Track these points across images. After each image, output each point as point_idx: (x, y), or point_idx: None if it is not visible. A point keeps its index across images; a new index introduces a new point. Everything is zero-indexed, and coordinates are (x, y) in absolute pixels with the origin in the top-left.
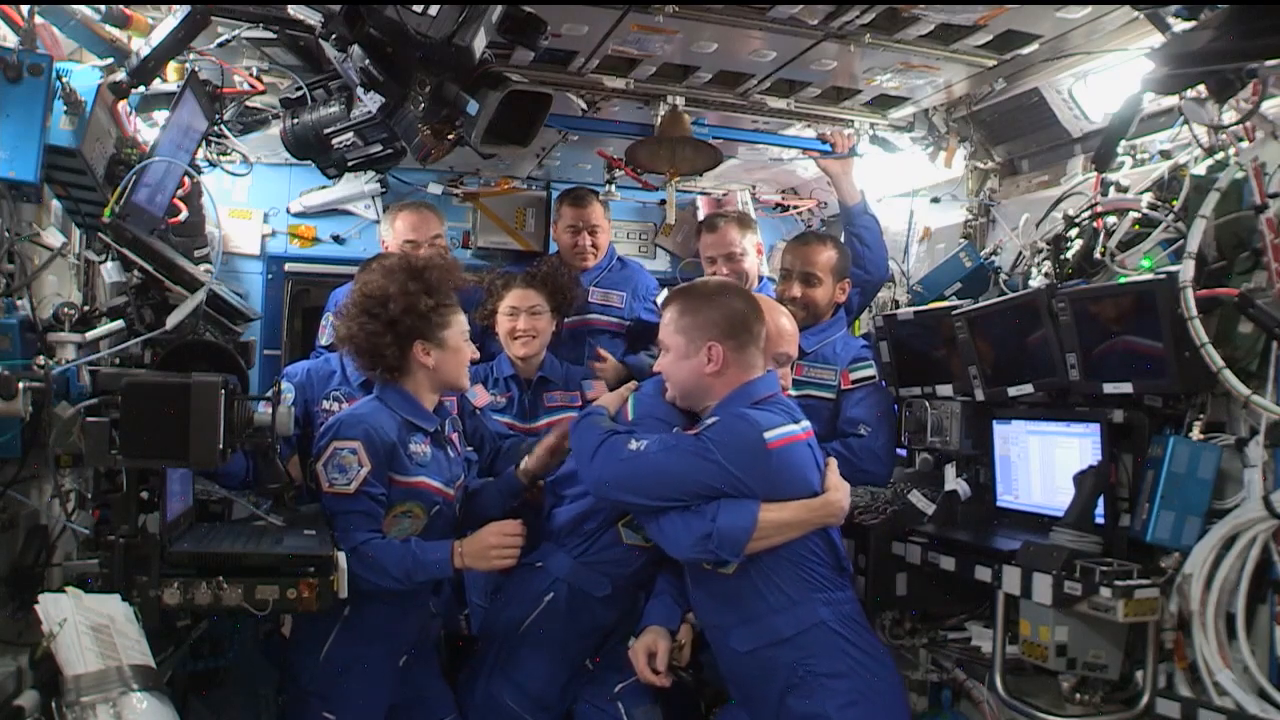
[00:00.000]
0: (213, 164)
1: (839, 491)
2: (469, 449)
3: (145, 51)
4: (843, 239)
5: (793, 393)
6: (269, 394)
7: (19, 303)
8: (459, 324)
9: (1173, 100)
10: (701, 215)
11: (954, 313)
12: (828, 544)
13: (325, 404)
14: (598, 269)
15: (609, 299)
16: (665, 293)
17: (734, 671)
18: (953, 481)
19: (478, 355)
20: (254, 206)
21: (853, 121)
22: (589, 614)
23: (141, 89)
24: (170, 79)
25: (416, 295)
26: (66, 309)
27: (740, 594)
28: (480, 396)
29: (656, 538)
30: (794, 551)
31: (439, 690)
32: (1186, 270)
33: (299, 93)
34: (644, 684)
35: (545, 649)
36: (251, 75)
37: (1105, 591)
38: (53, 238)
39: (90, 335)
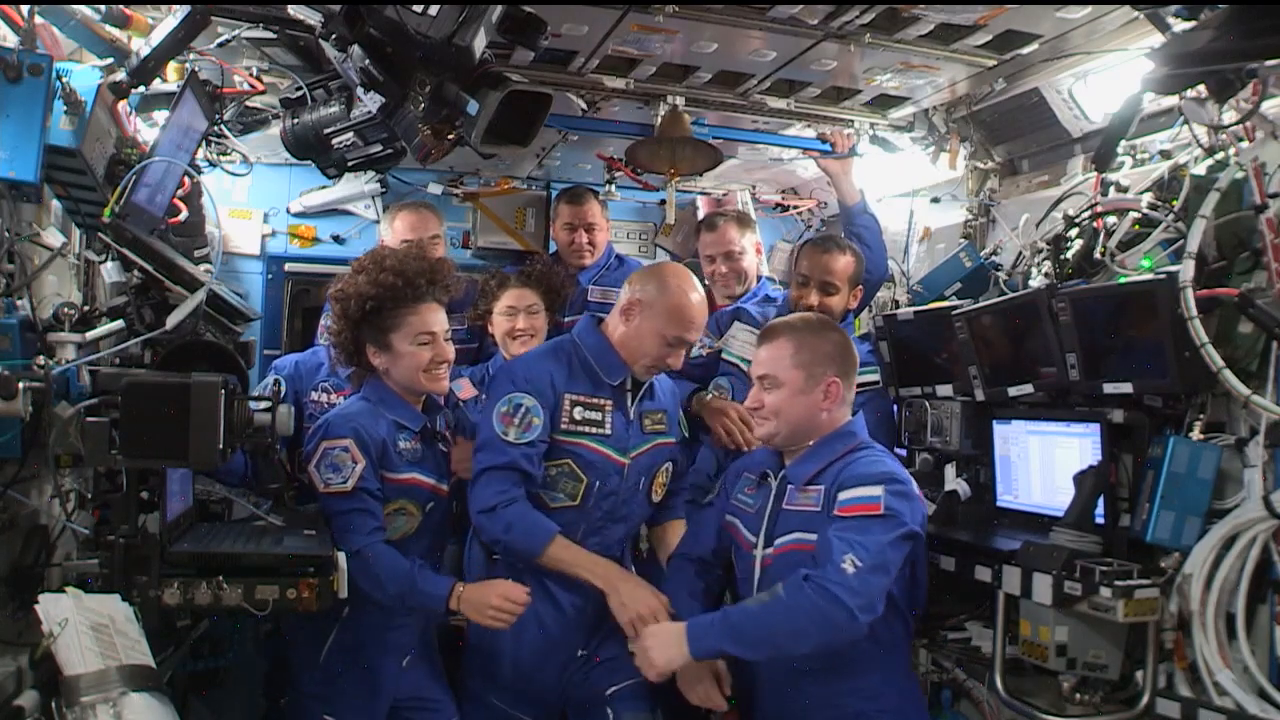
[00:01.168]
0: (213, 164)
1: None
2: None
3: (145, 51)
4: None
5: None
6: (268, 394)
7: (19, 303)
8: (413, 326)
9: (1173, 100)
10: (701, 215)
11: (954, 313)
12: (913, 583)
13: (314, 395)
14: (595, 267)
15: (607, 297)
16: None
17: (785, 711)
18: (953, 481)
19: (450, 356)
20: (254, 206)
21: (853, 121)
22: (560, 605)
23: (141, 89)
24: (170, 79)
25: (350, 299)
26: (66, 309)
27: None
28: (465, 389)
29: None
30: (890, 598)
31: (440, 692)
32: (1186, 270)
33: (299, 93)
34: (640, 687)
35: (514, 638)
36: (251, 75)
37: (1105, 591)
38: (53, 238)
39: (90, 335)
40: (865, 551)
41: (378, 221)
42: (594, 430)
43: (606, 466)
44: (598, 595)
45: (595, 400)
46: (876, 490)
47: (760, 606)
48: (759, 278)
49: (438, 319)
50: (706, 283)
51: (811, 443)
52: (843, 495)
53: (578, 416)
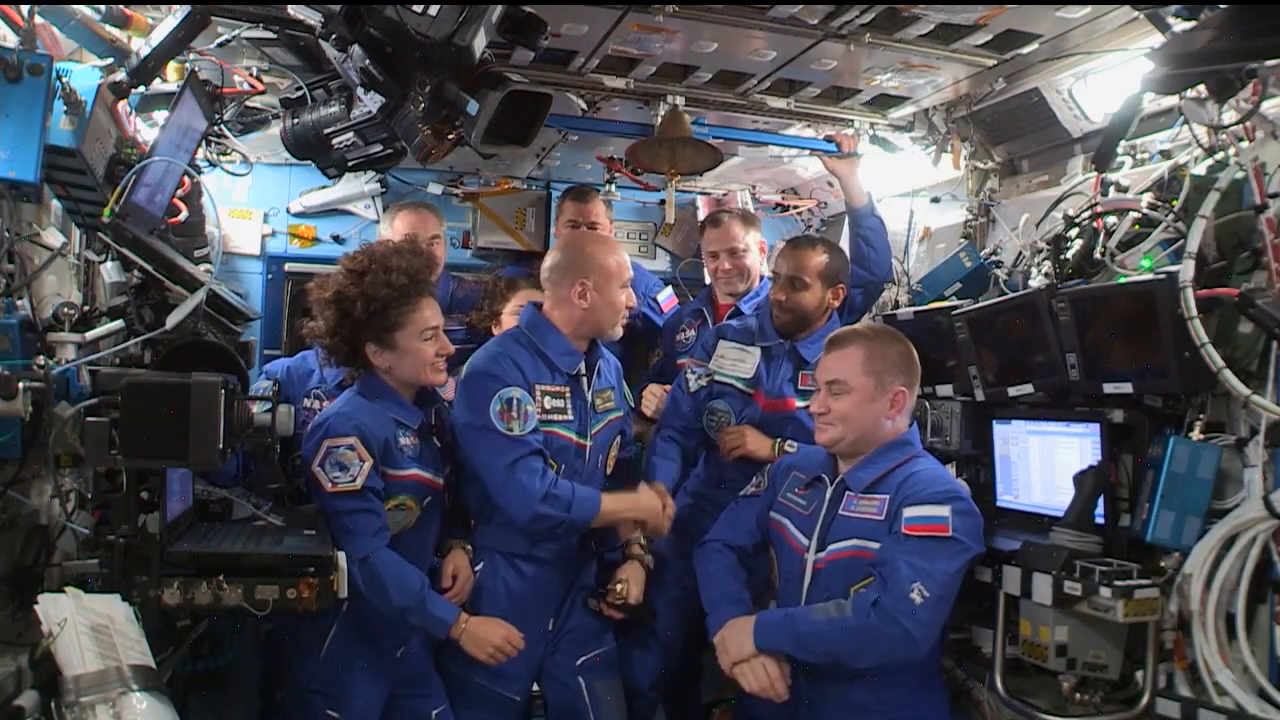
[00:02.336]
0: (213, 164)
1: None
2: None
3: (145, 51)
4: (847, 240)
5: (798, 402)
6: (267, 394)
7: (19, 303)
8: (417, 323)
9: (1173, 100)
10: (702, 215)
11: (954, 313)
12: None
13: (306, 402)
14: None
15: None
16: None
17: (822, 710)
18: None
19: (450, 351)
20: (254, 206)
21: (853, 121)
22: (528, 579)
23: (141, 89)
24: (170, 79)
25: (353, 300)
26: (66, 309)
27: None
28: (452, 389)
29: (499, 498)
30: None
31: (433, 680)
32: (1186, 270)
33: (299, 93)
34: (608, 656)
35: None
36: (251, 75)
37: (1105, 591)
38: (53, 238)
39: (90, 335)
40: (933, 581)
41: (378, 221)
42: (560, 418)
43: (571, 450)
44: (560, 568)
45: (557, 388)
46: (943, 511)
47: (828, 621)
48: (761, 277)
49: (436, 312)
50: (709, 280)
51: (868, 451)
52: (909, 512)
53: (547, 405)
